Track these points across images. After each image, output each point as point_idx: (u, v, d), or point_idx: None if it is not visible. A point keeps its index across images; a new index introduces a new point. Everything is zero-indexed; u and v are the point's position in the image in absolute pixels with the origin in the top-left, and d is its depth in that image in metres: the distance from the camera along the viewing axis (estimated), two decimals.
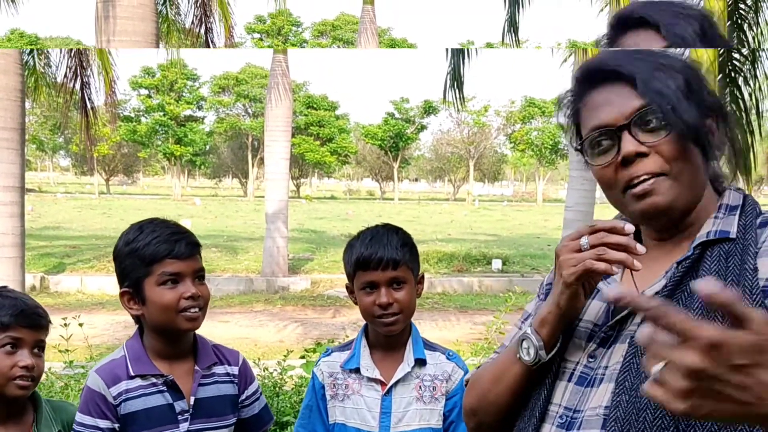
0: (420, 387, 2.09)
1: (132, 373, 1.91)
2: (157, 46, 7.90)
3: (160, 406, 1.91)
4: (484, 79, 47.24)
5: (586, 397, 1.16)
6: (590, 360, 1.18)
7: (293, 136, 52.92)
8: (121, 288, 1.96)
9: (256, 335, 9.89)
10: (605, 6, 11.77)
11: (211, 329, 10.24)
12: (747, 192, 1.27)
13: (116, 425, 1.88)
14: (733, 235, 1.18)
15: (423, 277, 2.20)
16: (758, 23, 9.07)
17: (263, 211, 15.70)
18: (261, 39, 56.81)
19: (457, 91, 10.15)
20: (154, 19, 7.74)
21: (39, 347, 2.00)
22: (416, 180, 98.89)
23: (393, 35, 57.82)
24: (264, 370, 5.00)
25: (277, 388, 4.59)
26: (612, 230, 1.15)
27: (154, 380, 1.92)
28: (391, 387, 2.08)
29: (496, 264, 16.47)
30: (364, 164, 71.51)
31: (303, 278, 15.10)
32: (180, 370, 1.96)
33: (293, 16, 55.74)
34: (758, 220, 1.20)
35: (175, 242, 1.92)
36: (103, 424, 1.87)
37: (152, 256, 1.89)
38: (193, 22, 10.05)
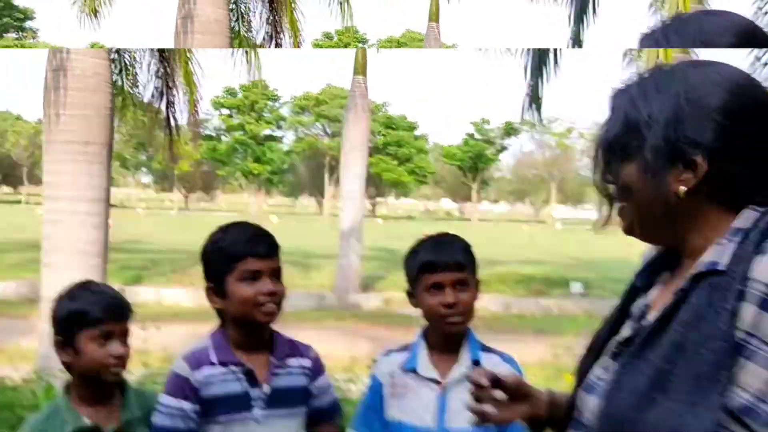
0: None
1: (214, 361, 2.08)
2: (112, 121, 7.95)
3: (237, 393, 2.07)
4: (566, 100, 46.76)
5: (585, 403, 1.29)
6: (603, 372, 1.27)
7: (371, 155, 53.56)
8: (206, 283, 2.17)
9: (326, 351, 9.96)
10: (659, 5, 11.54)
11: None
12: None
13: (197, 407, 2.06)
14: (721, 267, 1.10)
15: (479, 283, 2.30)
16: None
17: (338, 229, 15.97)
18: (230, 115, 58.15)
19: (535, 111, 10.18)
20: (108, 90, 7.86)
21: (125, 335, 2.20)
22: (496, 201, 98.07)
23: (389, 111, 58.63)
24: (334, 381, 5.09)
25: (342, 396, 4.72)
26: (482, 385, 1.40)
27: (233, 368, 2.09)
28: (447, 386, 2.18)
29: (576, 287, 16.28)
30: (442, 185, 71.60)
31: (376, 296, 15.28)
32: (257, 360, 2.13)
33: (359, 32, 56.53)
34: (757, 248, 1.08)
35: (256, 242, 2.11)
36: (186, 405, 2.05)
37: (235, 255, 2.08)
38: (153, 96, 10.13)
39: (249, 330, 2.13)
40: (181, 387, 2.07)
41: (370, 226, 30.77)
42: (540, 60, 10.08)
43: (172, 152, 11.14)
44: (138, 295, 14.72)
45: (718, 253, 1.12)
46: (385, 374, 2.26)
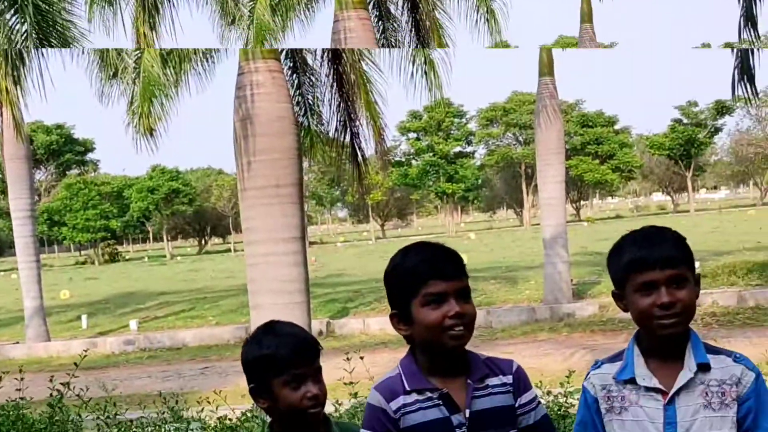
0: (706, 393, 2.02)
1: (408, 388, 2.03)
2: (300, 161, 8.34)
3: (437, 419, 2.01)
4: None
5: None
6: None
7: (569, 157, 52.63)
8: (391, 310, 2.16)
9: (541, 365, 9.94)
10: None
11: None
12: None
13: None
14: None
15: (699, 277, 2.14)
16: None
17: (540, 238, 15.80)
18: (418, 138, 58.10)
19: (747, 84, 9.57)
20: (294, 131, 8.20)
21: (318, 373, 2.24)
22: (715, 188, 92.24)
23: (584, 109, 56.14)
24: (547, 395, 5.05)
25: (563, 411, 4.66)
26: None
27: (429, 394, 2.03)
28: (673, 396, 2.03)
29: None
30: (651, 178, 68.62)
31: (590, 303, 14.87)
32: (454, 384, 2.06)
33: (454, 105, 56.10)
34: None
35: (438, 263, 2.06)
36: None
37: (417, 278, 2.02)
38: (337, 129, 10.25)
39: (439, 354, 2.07)
40: (379, 419, 2.05)
41: (575, 231, 30.12)
42: (744, 30, 9.51)
43: (362, 184, 11.51)
44: (345, 327, 15.38)
45: None
46: (598, 387, 2.13)
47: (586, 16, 16.53)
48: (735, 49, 9.53)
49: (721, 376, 2.03)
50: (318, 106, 10.44)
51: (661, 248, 2.03)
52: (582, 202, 68.44)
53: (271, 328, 2.28)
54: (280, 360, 2.17)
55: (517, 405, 2.10)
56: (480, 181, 62.84)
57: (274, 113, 8.07)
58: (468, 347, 2.22)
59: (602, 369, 2.16)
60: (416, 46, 12.49)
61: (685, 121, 57.86)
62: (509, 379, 2.11)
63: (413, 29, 12.94)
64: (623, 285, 2.08)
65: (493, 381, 2.09)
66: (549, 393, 5.12)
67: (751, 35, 9.75)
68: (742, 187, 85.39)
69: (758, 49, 9.49)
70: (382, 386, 2.08)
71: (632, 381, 2.07)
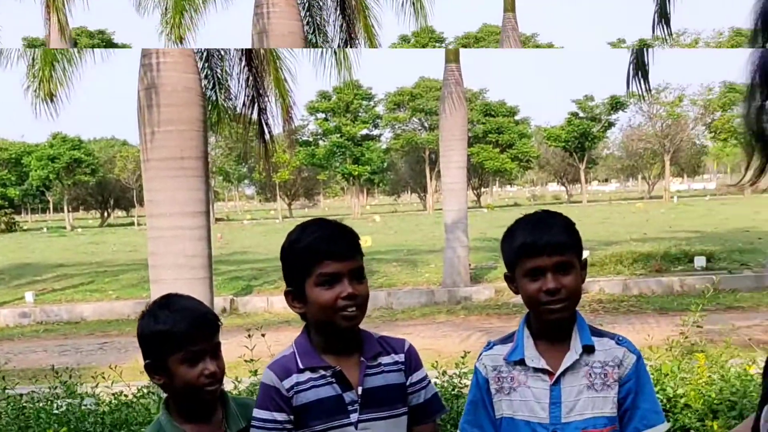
0: (590, 374, 2.06)
1: (301, 366, 2.02)
2: (206, 134, 8.18)
3: (330, 397, 2.00)
4: (675, 70, 45.01)
5: None
6: None
7: (471, 145, 53.41)
8: (286, 287, 2.11)
9: (439, 346, 10.01)
10: None
11: None
12: None
13: (291, 417, 2.00)
14: None
15: (586, 262, 2.16)
16: None
17: (442, 223, 15.90)
18: (326, 119, 58.34)
19: (641, 80, 9.79)
20: (200, 103, 8.00)
21: (216, 349, 2.15)
22: (606, 180, 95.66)
23: (538, 41, 56.92)
24: (443, 375, 5.07)
25: (456, 391, 4.64)
26: None
27: (322, 372, 2.02)
28: (559, 376, 2.06)
29: (699, 261, 15.57)
30: (547, 168, 70.47)
31: (486, 287, 15.09)
32: (347, 362, 2.05)
33: (436, 32, 56.20)
34: None
35: (332, 243, 2.02)
36: (280, 416, 2.00)
37: (311, 258, 2.00)
38: (245, 104, 10.16)
39: (332, 333, 2.05)
40: (272, 398, 2.02)
41: (475, 217, 30.60)
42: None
43: (269, 162, 11.31)
44: (248, 305, 15.12)
45: None
46: (489, 368, 2.15)
47: (509, 6, 16.63)
48: (631, 47, 9.75)
49: (605, 357, 2.07)
50: (226, 80, 10.13)
51: (549, 234, 2.04)
52: (482, 189, 69.68)
53: (168, 302, 2.17)
54: (177, 336, 2.07)
55: (408, 383, 2.10)
56: (386, 164, 63.07)
57: (181, 84, 7.75)
58: (368, 328, 2.16)
59: (493, 350, 2.18)
60: (341, 26, 12.33)
61: (581, 114, 59.43)
62: (401, 357, 2.11)
63: (339, 8, 12.73)
64: (514, 268, 2.10)
65: (386, 359, 2.09)
66: (444, 373, 5.15)
67: (663, 32, 9.98)
68: (632, 180, 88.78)
69: (653, 48, 9.73)
70: (276, 365, 2.04)
71: (521, 362, 2.09)
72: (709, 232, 23.29)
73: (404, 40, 56.36)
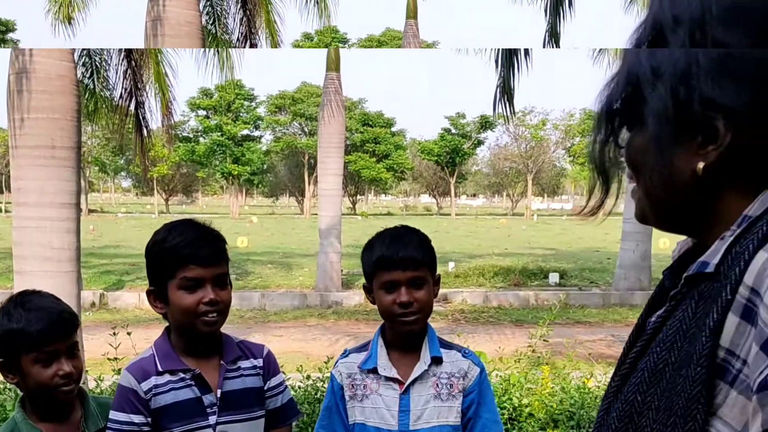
0: (437, 385, 2.12)
1: (160, 369, 1.97)
2: (79, 124, 7.80)
3: (189, 400, 1.97)
4: (540, 90, 46.85)
5: None
6: None
7: (349, 153, 53.63)
8: (149, 286, 2.04)
9: (308, 349, 9.96)
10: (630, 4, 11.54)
11: (265, 343, 10.32)
12: None
13: (149, 419, 1.94)
14: (710, 269, 0.86)
15: (439, 278, 2.21)
16: None
17: (317, 228, 15.84)
18: (207, 116, 57.66)
19: (507, 104, 10.08)
20: (75, 92, 7.64)
21: (73, 349, 2.06)
22: (474, 195, 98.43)
23: (366, 108, 58.49)
24: (307, 378, 5.02)
25: (319, 394, 4.62)
26: None
27: (182, 375, 1.98)
28: (408, 386, 2.11)
29: (554, 278, 16.24)
30: (420, 180, 71.67)
31: (356, 293, 15.13)
32: (207, 365, 2.02)
33: (340, 32, 56.37)
34: (762, 243, 0.83)
35: (198, 247, 1.97)
36: (137, 419, 1.94)
37: (175, 261, 1.95)
38: (121, 96, 9.90)
39: (194, 336, 2.01)
40: (129, 400, 1.95)
41: (349, 224, 30.73)
42: (511, 53, 10.00)
43: (144, 154, 10.91)
44: (119, 300, 14.49)
45: (713, 251, 0.88)
46: (344, 375, 2.19)
47: (412, 13, 16.72)
48: (498, 68, 9.96)
49: (451, 369, 2.15)
50: (105, 69, 9.68)
51: (406, 250, 2.08)
52: (358, 197, 70.08)
53: (23, 300, 2.05)
54: (30, 335, 1.96)
55: (266, 388, 2.10)
56: (265, 166, 62.33)
57: (54, 71, 7.30)
58: (241, 328, 2.09)
59: (349, 358, 2.21)
60: (241, 19, 12.00)
61: (453, 131, 60.81)
62: (260, 362, 2.11)
63: (240, 0, 12.40)
64: (372, 280, 2.13)
65: (245, 364, 2.08)
66: (308, 377, 5.14)
67: (505, 110, 10.28)
68: (497, 197, 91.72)
69: (519, 73, 9.97)
70: (134, 367, 1.99)
71: (374, 371, 2.13)
72: (563, 250, 24.36)
73: (307, 38, 55.93)
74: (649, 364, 0.88)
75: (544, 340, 5.99)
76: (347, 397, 2.16)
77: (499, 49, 10.04)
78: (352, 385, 2.16)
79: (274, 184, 68.14)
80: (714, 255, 0.87)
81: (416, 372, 2.11)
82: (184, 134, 57.82)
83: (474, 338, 9.87)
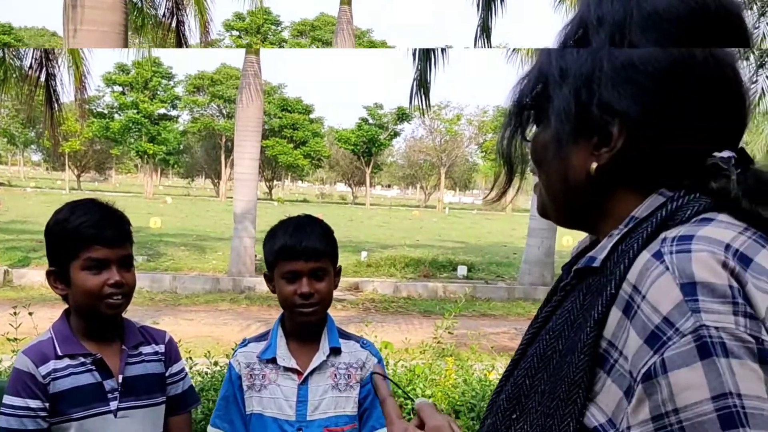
0: (335, 375, 2.12)
1: (60, 353, 1.91)
2: (126, 38, 7.78)
3: (89, 385, 1.92)
4: (456, 85, 47.38)
5: None
6: None
7: (267, 138, 52.96)
8: (49, 266, 1.97)
9: (219, 333, 9.79)
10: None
11: (175, 327, 10.13)
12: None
13: (46, 404, 1.88)
14: (597, 264, 0.91)
15: (340, 269, 2.21)
16: None
17: (233, 212, 15.59)
18: (240, 36, 56.55)
19: (423, 97, 10.16)
20: (123, 9, 7.62)
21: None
22: (389, 186, 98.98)
23: (373, 37, 57.87)
24: (214, 365, 4.94)
25: None
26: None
27: (82, 359, 1.93)
28: (307, 376, 2.10)
29: (462, 270, 16.51)
30: (336, 169, 71.50)
31: None
32: (108, 350, 1.97)
33: (272, 14, 55.56)
34: (645, 242, 0.87)
35: (103, 228, 1.91)
36: (34, 403, 1.87)
37: (79, 241, 1.89)
38: (164, 15, 9.87)
39: (95, 320, 1.96)
40: (26, 384, 1.87)
41: (265, 209, 30.38)
42: (429, 50, 10.08)
43: (54, 128, 10.50)
44: (24, 277, 13.87)
45: (601, 247, 0.93)
46: (243, 365, 2.16)
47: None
48: (415, 61, 10.03)
49: (349, 359, 2.15)
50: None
51: (308, 240, 2.06)
52: (275, 182, 69.37)
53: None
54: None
55: (167, 374, 2.07)
56: (182, 146, 60.85)
57: None
58: (150, 310, 2.04)
59: (248, 347, 2.19)
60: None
61: (370, 121, 60.87)
62: (161, 348, 2.07)
63: None
64: (273, 269, 2.11)
65: (147, 349, 2.04)
66: (216, 363, 5.05)
67: (485, 44, 10.40)
68: (411, 188, 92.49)
69: (435, 61, 10.07)
70: (32, 350, 1.91)
71: (273, 360, 2.11)
72: (473, 243, 24.80)
73: (239, 18, 54.74)
74: (538, 350, 0.93)
75: (449, 332, 6.08)
76: (245, 387, 2.13)
77: (476, 34, 10.19)
78: (251, 374, 2.13)
79: (190, 165, 66.65)
80: (601, 251, 0.91)
81: (315, 362, 2.11)
82: (99, 110, 55.74)
83: (383, 327, 9.95)
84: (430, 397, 4.47)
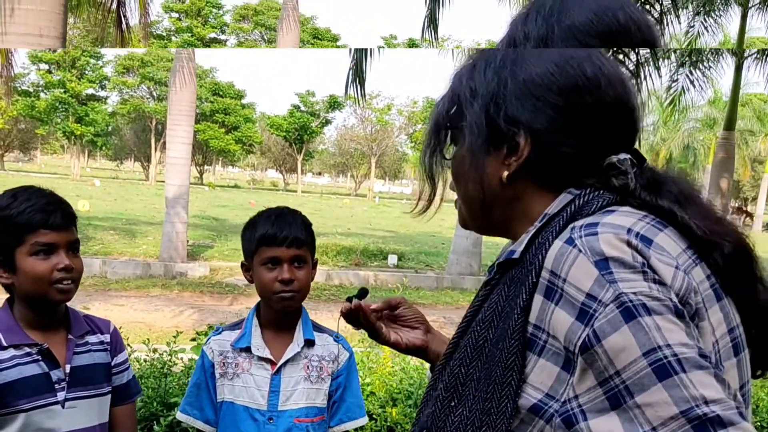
0: (308, 367, 2.15)
1: (5, 344, 1.86)
2: (65, 18, 7.55)
3: (36, 375, 1.87)
4: (390, 77, 47.46)
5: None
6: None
7: (198, 122, 51.87)
8: None
9: (151, 320, 9.69)
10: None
11: (106, 312, 9.96)
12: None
13: None
14: (516, 255, 1.00)
15: (317, 261, 2.27)
16: (663, 35, 9.56)
17: (164, 196, 15.34)
18: (179, 19, 55.22)
19: (358, 86, 10.21)
20: None
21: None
22: (319, 174, 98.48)
23: (316, 24, 57.32)
24: (153, 352, 4.91)
25: (165, 369, 4.51)
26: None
27: (28, 350, 1.88)
28: (280, 366, 2.12)
29: (392, 259, 16.69)
30: (268, 155, 70.67)
31: (202, 265, 14.85)
32: (53, 339, 1.93)
33: None
34: (558, 233, 0.97)
35: (50, 212, 1.88)
36: None
37: (25, 226, 1.86)
38: None
39: (42, 308, 1.93)
40: None
41: (196, 194, 29.90)
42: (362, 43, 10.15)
43: None
44: None
45: (519, 241, 1.02)
46: (216, 353, 2.16)
47: None
48: (352, 53, 10.08)
49: (322, 352, 2.18)
50: None
51: (290, 229, 2.10)
52: (206, 167, 68.12)
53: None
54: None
55: (113, 364, 2.05)
56: (110, 128, 59.00)
57: None
58: (80, 296, 2.05)
59: (222, 335, 2.19)
60: None
61: (302, 108, 60.36)
62: (107, 338, 2.05)
63: None
64: (252, 257, 2.13)
65: (93, 339, 2.02)
66: (155, 351, 4.99)
67: (431, 36, 10.48)
68: (342, 177, 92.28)
69: (371, 57, 10.16)
70: None
71: (248, 349, 2.12)
72: (402, 233, 24.99)
73: (180, 0, 53.30)
74: (471, 341, 1.00)
75: None
76: (217, 375, 2.13)
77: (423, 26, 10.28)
78: (224, 363, 2.14)
79: (118, 147, 64.73)
80: (520, 244, 1.01)
81: (289, 353, 2.13)
82: (24, 87, 53.56)
83: (315, 315, 9.92)
84: (368, 385, 4.57)
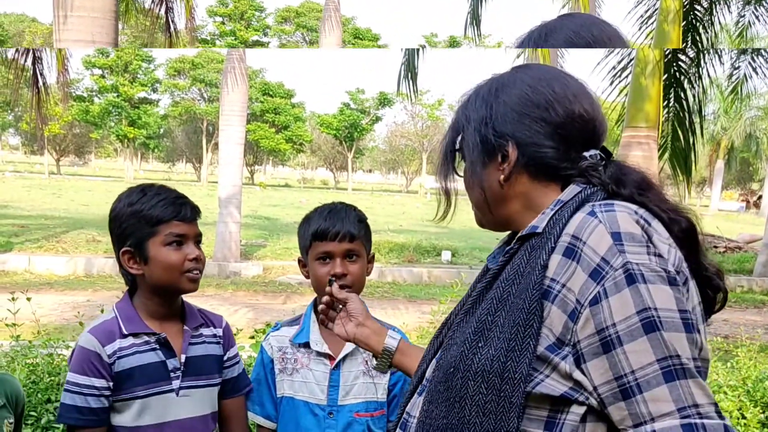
0: (367, 362, 2.15)
1: (125, 332, 1.96)
2: (117, 24, 7.74)
3: (153, 363, 1.97)
4: (439, 74, 47.31)
5: (430, 367, 1.36)
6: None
7: (249, 122, 52.50)
8: (120, 248, 2.01)
9: None
10: (566, 3, 12.00)
11: None
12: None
13: (110, 383, 1.93)
14: (539, 230, 1.22)
15: (374, 256, 2.25)
16: (712, 25, 9.29)
17: (216, 196, 15.55)
18: (223, 23, 56.05)
19: (411, 82, 10.19)
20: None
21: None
22: (370, 171, 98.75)
23: (357, 24, 57.51)
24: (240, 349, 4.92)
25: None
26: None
27: (146, 338, 1.98)
28: (339, 361, 2.13)
29: (446, 255, 16.61)
30: (318, 153, 71.18)
31: (255, 264, 15.02)
32: (171, 330, 2.04)
33: (256, 0, 55.08)
34: (572, 213, 1.20)
35: (181, 205, 2.01)
36: (99, 383, 1.92)
37: (159, 217, 1.97)
38: (153, 1, 9.84)
39: (165, 298, 2.03)
40: (91, 363, 1.92)
41: (248, 194, 30.27)
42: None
43: (40, 112, 10.46)
44: (7, 263, 13.79)
45: (540, 219, 1.25)
46: (275, 348, 2.19)
47: None
48: (404, 52, 10.08)
49: None
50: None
51: (342, 223, 2.11)
52: (256, 167, 68.94)
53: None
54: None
55: (225, 357, 2.14)
56: (162, 130, 60.22)
57: None
58: None
59: (281, 331, 2.22)
60: None
61: (352, 105, 60.59)
62: (220, 332, 2.15)
63: None
64: (307, 252, 2.15)
65: (206, 331, 2.11)
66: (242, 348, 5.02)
67: (474, 33, 10.46)
68: (392, 174, 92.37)
69: (423, 54, 10.13)
70: (98, 329, 1.97)
71: (306, 345, 2.14)
72: (456, 228, 24.80)
73: (222, 4, 54.19)
74: (496, 294, 1.22)
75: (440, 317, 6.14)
76: (277, 371, 2.16)
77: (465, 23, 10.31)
78: (283, 358, 2.16)
79: (170, 149, 65.99)
80: (541, 221, 1.24)
81: (347, 348, 2.13)
82: (78, 93, 55.00)
83: (369, 312, 9.97)
84: None
